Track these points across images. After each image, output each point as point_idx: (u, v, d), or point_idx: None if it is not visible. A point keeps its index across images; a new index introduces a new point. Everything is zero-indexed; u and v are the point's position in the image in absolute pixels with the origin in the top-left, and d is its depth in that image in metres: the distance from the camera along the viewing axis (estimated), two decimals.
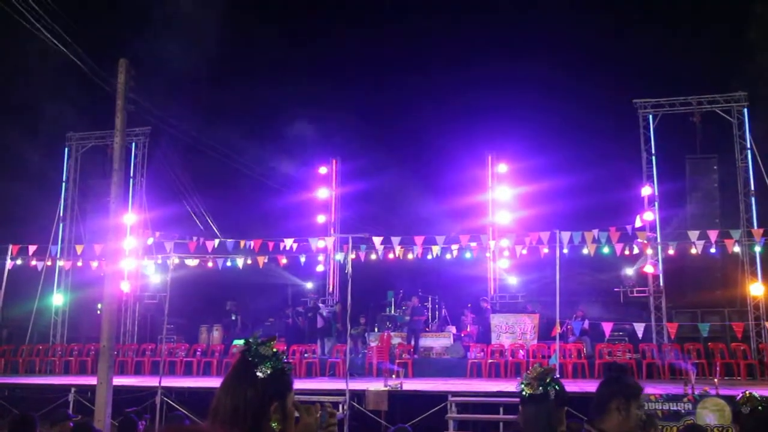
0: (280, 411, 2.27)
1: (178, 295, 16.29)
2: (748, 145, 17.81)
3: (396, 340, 17.37)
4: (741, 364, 15.57)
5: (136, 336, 20.17)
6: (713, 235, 14.01)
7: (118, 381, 12.69)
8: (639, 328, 13.97)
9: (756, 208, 17.49)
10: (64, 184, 21.19)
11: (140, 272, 19.54)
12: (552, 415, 2.95)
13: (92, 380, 11.79)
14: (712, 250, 14.66)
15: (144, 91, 13.63)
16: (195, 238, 15.57)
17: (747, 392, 3.90)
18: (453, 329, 18.61)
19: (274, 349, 2.33)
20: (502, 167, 21.06)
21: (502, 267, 20.38)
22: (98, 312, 15.66)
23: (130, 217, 19.59)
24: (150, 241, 17.28)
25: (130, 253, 18.67)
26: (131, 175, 20.56)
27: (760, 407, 3.78)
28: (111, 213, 11.53)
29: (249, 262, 16.38)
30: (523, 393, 3.00)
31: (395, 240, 14.99)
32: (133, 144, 20.71)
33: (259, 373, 2.25)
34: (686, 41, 19.56)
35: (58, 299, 20.39)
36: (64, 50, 11.27)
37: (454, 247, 15.50)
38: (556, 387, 2.98)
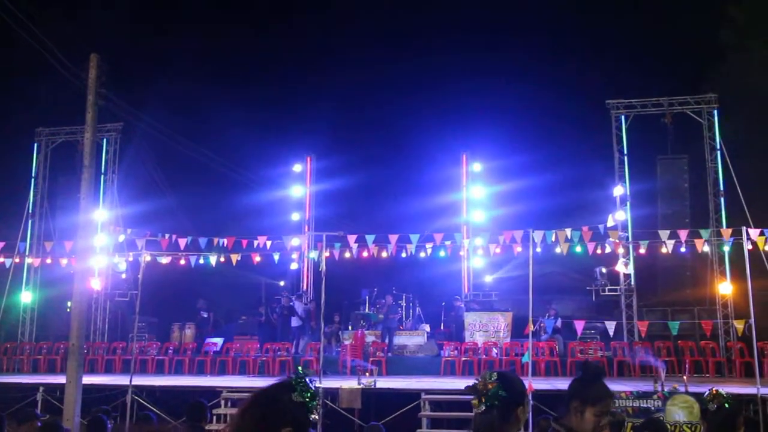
0: None
1: (150, 293, 16.09)
2: (718, 146, 18.08)
3: (370, 338, 17.36)
4: (710, 361, 15.81)
5: (106, 334, 19.92)
6: (683, 234, 14.21)
7: (88, 380, 12.50)
8: (610, 326, 14.13)
9: (725, 208, 17.78)
10: (33, 180, 20.82)
11: (111, 270, 19.29)
12: (496, 427, 2.89)
13: (61, 379, 11.61)
14: (682, 250, 14.88)
15: (116, 87, 13.48)
16: (167, 236, 15.39)
17: (714, 389, 3.96)
18: (427, 327, 18.66)
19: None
20: (477, 166, 21.17)
21: (476, 265, 20.48)
22: (68, 310, 15.41)
23: (101, 214, 19.34)
24: (121, 238, 17.05)
25: (100, 250, 18.42)
26: (102, 171, 20.29)
27: (726, 404, 3.84)
28: (81, 210, 11.35)
29: (222, 259, 16.25)
30: (473, 403, 2.94)
31: (369, 238, 14.96)
32: (105, 140, 20.46)
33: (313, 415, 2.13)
34: (658, 43, 19.84)
35: (26, 297, 20.06)
36: (35, 44, 11.09)
37: (429, 245, 15.51)
38: (500, 398, 2.86)
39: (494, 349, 16.66)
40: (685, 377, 12.28)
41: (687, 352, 15.88)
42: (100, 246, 18.31)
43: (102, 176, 20.23)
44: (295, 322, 17.97)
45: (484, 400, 2.85)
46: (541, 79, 21.61)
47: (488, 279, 20.38)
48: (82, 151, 11.61)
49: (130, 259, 17.12)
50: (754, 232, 12.68)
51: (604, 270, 18.65)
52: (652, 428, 6.32)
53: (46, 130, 21.04)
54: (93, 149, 11.59)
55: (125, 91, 15.96)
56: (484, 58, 22.51)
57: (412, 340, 17.75)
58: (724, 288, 17.35)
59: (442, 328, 19.35)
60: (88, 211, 11.64)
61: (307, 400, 2.12)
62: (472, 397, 2.94)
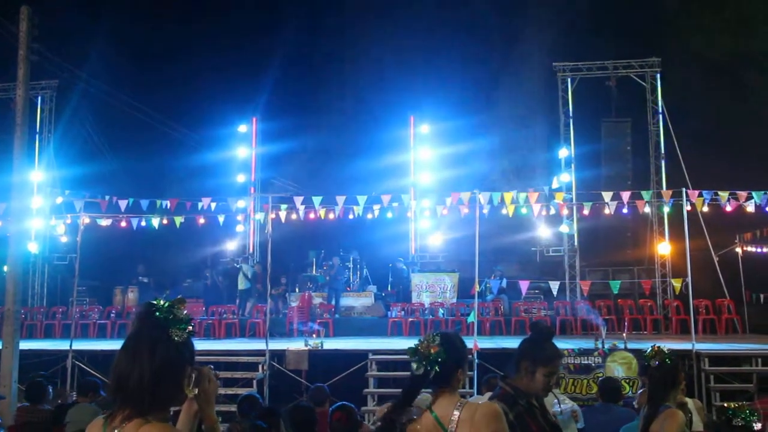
0: (193, 375, 2.17)
1: (90, 257, 15.64)
2: (660, 110, 18.43)
3: (317, 300, 17.35)
4: (648, 319, 16.32)
5: (45, 299, 19.40)
6: (625, 196, 14.47)
7: (26, 345, 12.18)
8: (554, 286, 14.37)
9: (665, 170, 18.20)
10: None
11: (49, 233, 18.69)
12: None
13: None
14: (624, 211, 15.17)
15: (51, 43, 12.87)
16: (107, 197, 14.91)
17: (655, 346, 4.03)
18: (374, 289, 18.73)
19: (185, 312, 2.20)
20: (424, 128, 21.12)
21: (423, 227, 20.56)
22: (4, 273, 14.88)
23: (37, 175, 18.65)
24: (59, 200, 16.49)
25: (37, 212, 17.81)
26: (38, 130, 19.53)
27: (667, 360, 3.92)
28: (15, 170, 10.90)
29: (165, 222, 15.87)
30: (412, 365, 2.91)
31: (316, 200, 14.79)
32: (39, 98, 19.66)
33: (175, 337, 2.11)
34: (605, 7, 19.91)
35: None
36: None
37: (376, 207, 15.43)
38: (440, 362, 2.86)
39: (440, 309, 16.84)
40: (624, 334, 12.64)
41: (626, 310, 16.36)
42: (36, 208, 17.70)
43: (37, 135, 19.47)
44: (241, 284, 17.79)
45: (425, 363, 2.84)
46: (489, 42, 21.53)
47: (435, 240, 20.50)
48: (15, 109, 11.09)
49: (69, 221, 16.56)
50: (692, 194, 12.99)
51: (547, 232, 19.00)
52: (609, 385, 6.55)
53: None
54: (26, 107, 11.09)
55: (61, 47, 15.31)
56: (432, 19, 22.27)
57: (359, 301, 17.81)
58: (663, 248, 17.86)
59: (389, 289, 19.45)
60: (23, 171, 11.19)
61: (185, 331, 2.14)
62: (414, 359, 2.91)
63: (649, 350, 4.01)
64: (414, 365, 2.88)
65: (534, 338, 3.36)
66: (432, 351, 2.86)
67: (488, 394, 5.21)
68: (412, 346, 2.93)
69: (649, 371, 3.93)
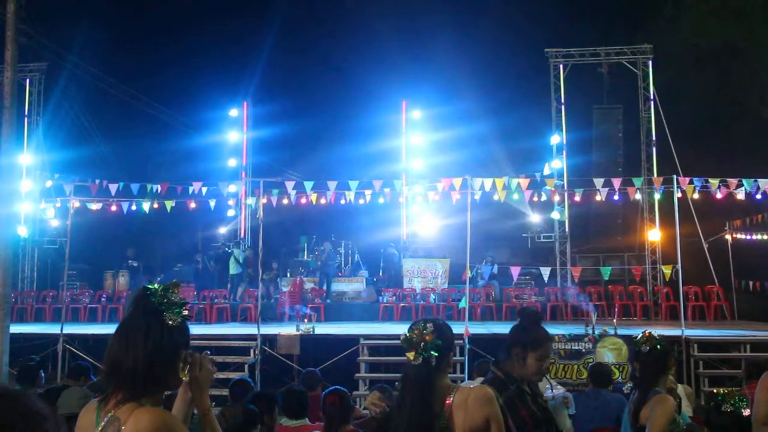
0: (188, 360, 2.18)
1: (81, 241, 15.59)
2: (652, 97, 18.44)
3: (308, 285, 17.35)
4: (638, 305, 16.43)
5: (35, 282, 19.32)
6: (617, 182, 14.51)
7: (17, 329, 12.14)
8: (545, 272, 14.43)
9: (656, 157, 18.25)
10: None
11: (39, 216, 18.59)
12: (432, 377, 2.88)
13: None
14: (615, 198, 15.22)
15: (40, 25, 12.73)
16: (97, 181, 14.82)
17: (646, 332, 4.05)
18: (365, 274, 18.75)
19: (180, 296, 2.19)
20: (416, 113, 21.09)
21: (414, 212, 20.57)
22: None
23: (26, 158, 18.51)
24: (48, 183, 16.38)
25: (26, 196, 17.69)
26: (26, 113, 19.37)
27: (657, 346, 3.94)
28: (3, 152, 10.80)
29: (156, 206, 15.79)
30: (408, 355, 2.91)
31: (308, 185, 14.74)
32: (27, 80, 19.48)
33: (169, 321, 2.10)
34: None
35: None
36: None
37: (368, 192, 15.41)
38: (436, 348, 2.87)
39: (432, 295, 16.89)
40: (614, 320, 12.72)
41: (617, 296, 16.46)
42: (26, 192, 17.58)
43: (26, 119, 19.31)
44: (233, 269, 17.77)
45: (420, 352, 2.85)
46: (482, 28, 21.47)
47: (426, 226, 20.51)
48: (2, 92, 10.97)
49: (58, 205, 16.46)
50: (683, 181, 13.04)
51: (537, 218, 19.05)
52: (599, 370, 6.59)
53: None
54: (14, 89, 10.97)
55: (50, 29, 15.16)
56: (424, 4, 22.16)
57: (351, 286, 17.84)
58: (654, 235, 17.95)
59: (380, 274, 19.48)
60: (11, 154, 11.09)
61: (180, 315, 2.13)
62: (406, 348, 2.92)
63: (639, 336, 4.03)
64: (411, 356, 2.88)
65: (522, 324, 3.38)
66: (427, 338, 2.87)
67: (479, 379, 5.23)
68: (406, 336, 2.93)
69: (640, 357, 3.95)
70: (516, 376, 3.24)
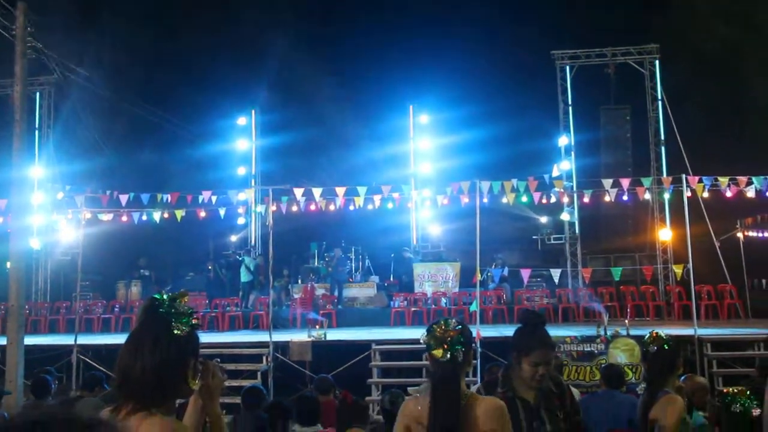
0: (198, 368, 2.20)
1: (93, 252, 15.71)
2: (659, 97, 18.40)
3: (320, 291, 17.39)
4: (650, 305, 16.35)
5: (49, 294, 19.45)
6: (625, 183, 14.47)
7: (31, 340, 12.22)
8: (555, 273, 14.40)
9: (665, 156, 18.19)
10: None
11: (51, 228, 18.72)
12: (458, 372, 2.88)
13: (1, 341, 11.32)
14: (625, 198, 15.17)
15: (49, 39, 12.85)
16: (108, 192, 14.93)
17: (654, 332, 4.05)
18: (376, 279, 18.76)
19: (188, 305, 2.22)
20: (424, 118, 21.11)
21: (424, 217, 20.58)
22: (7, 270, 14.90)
23: (38, 171, 18.66)
24: (60, 195, 16.51)
25: (38, 208, 17.83)
26: (37, 126, 19.54)
27: (665, 345, 3.93)
28: (15, 165, 10.91)
29: (166, 216, 15.88)
30: (434, 353, 2.89)
31: (317, 191, 14.80)
32: (38, 94, 19.66)
33: (177, 331, 2.14)
34: None
35: None
36: None
37: (376, 197, 15.44)
38: (462, 343, 2.87)
39: (443, 299, 16.88)
40: (626, 321, 12.67)
41: (628, 296, 16.39)
42: (37, 204, 17.72)
43: (36, 131, 19.48)
44: (244, 277, 17.84)
45: (447, 347, 2.84)
46: (487, 30, 21.47)
47: (436, 230, 20.52)
48: (13, 106, 11.09)
49: (70, 217, 16.59)
50: (693, 180, 12.99)
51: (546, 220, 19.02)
52: (612, 372, 6.56)
53: None
54: (24, 103, 11.08)
55: (59, 43, 15.29)
56: (431, 9, 22.20)
57: (362, 292, 17.84)
58: (664, 234, 17.88)
59: (391, 279, 19.49)
60: (22, 167, 11.19)
61: (188, 325, 2.16)
62: (427, 345, 2.90)
63: (647, 336, 4.03)
64: (438, 353, 2.87)
65: (520, 327, 3.36)
66: (452, 334, 2.87)
67: (476, 386, 5.23)
68: (430, 334, 2.91)
69: (648, 357, 3.95)
70: (515, 382, 3.23)
